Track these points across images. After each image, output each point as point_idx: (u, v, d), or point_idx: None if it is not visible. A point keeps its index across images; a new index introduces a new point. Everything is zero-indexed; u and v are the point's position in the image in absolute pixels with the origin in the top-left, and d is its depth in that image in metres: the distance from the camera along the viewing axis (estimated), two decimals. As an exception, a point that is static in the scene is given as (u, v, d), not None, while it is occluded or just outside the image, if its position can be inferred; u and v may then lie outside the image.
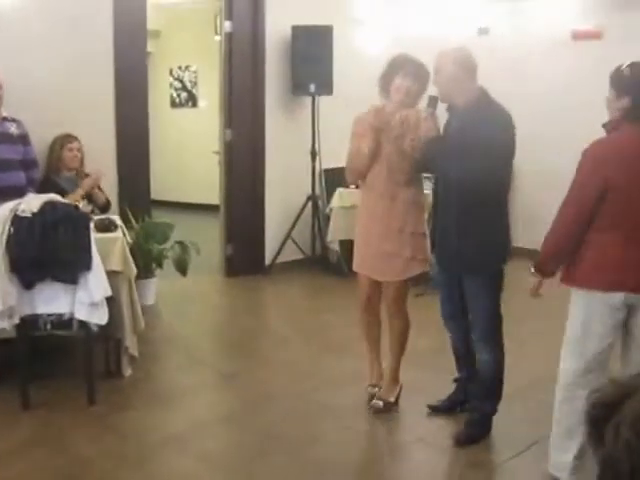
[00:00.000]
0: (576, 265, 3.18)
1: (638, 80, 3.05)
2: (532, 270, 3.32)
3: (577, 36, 7.58)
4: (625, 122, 3.07)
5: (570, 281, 3.23)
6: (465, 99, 3.69)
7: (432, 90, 3.94)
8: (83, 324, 4.27)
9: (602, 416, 0.99)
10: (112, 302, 4.41)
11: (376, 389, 4.44)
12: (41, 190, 5.07)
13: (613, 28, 7.31)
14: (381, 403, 4.27)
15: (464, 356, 4.13)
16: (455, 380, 4.31)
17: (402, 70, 3.97)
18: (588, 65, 7.47)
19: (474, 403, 4.05)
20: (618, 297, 3.10)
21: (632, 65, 3.11)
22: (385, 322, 4.39)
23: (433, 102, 3.84)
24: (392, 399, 4.33)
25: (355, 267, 4.37)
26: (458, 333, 4.09)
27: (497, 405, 4.01)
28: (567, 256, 3.18)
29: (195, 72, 11.01)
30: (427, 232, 4.15)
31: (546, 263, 3.27)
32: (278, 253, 7.34)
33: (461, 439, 3.91)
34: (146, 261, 5.86)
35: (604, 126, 3.19)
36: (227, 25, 6.94)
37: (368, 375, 4.53)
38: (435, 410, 4.27)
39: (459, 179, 3.65)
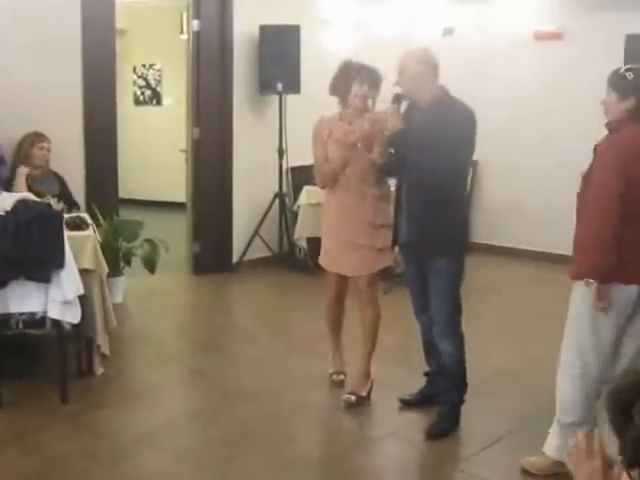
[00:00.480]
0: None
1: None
2: (590, 281, 3.25)
3: (539, 37, 7.73)
4: (629, 122, 3.23)
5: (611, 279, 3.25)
6: (427, 97, 3.85)
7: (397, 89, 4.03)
8: (56, 323, 4.27)
9: (628, 400, 1.02)
10: (84, 300, 4.42)
11: (342, 376, 4.62)
12: (7, 188, 5.07)
13: (574, 29, 7.48)
14: (353, 397, 4.36)
15: (434, 349, 4.21)
16: (425, 374, 4.41)
17: (359, 77, 4.15)
18: (550, 65, 7.64)
19: (443, 396, 4.15)
20: (634, 289, 3.24)
21: (633, 69, 3.28)
22: (355, 315, 4.49)
23: (398, 99, 3.97)
24: (364, 393, 4.42)
25: (325, 265, 4.50)
26: (429, 326, 4.17)
27: (464, 395, 4.12)
28: (616, 253, 3.20)
29: (159, 70, 10.97)
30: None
31: (603, 266, 3.23)
32: (245, 251, 7.37)
33: (432, 432, 4.01)
34: (114, 259, 5.85)
35: (607, 126, 3.33)
36: (195, 24, 6.95)
37: (331, 364, 4.68)
38: (406, 404, 4.36)
39: (422, 171, 3.79)
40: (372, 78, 4.17)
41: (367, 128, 4.07)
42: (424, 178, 3.80)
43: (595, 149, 3.34)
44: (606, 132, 3.41)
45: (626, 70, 3.28)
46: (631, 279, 3.23)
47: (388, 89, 4.12)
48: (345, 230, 4.29)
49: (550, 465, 3.55)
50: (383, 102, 4.18)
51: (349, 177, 4.24)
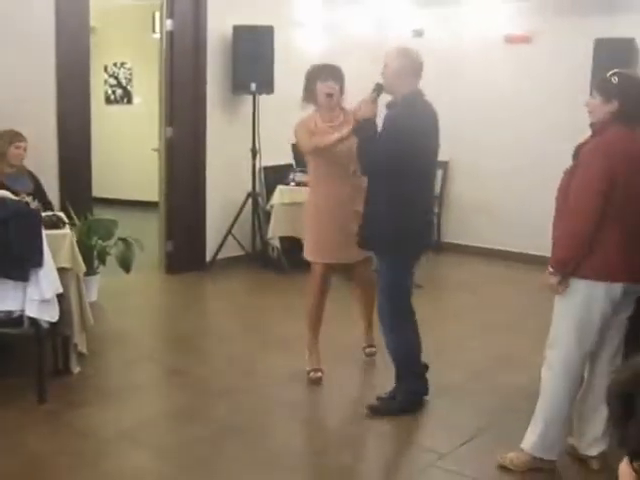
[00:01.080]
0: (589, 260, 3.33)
1: (625, 86, 3.34)
2: (550, 270, 3.40)
3: (509, 40, 7.85)
4: (613, 124, 3.33)
5: (574, 273, 3.36)
6: (403, 93, 4.01)
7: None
8: (33, 321, 4.25)
9: (628, 392, 1.03)
10: (61, 299, 4.40)
11: (319, 373, 4.71)
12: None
13: (543, 33, 7.61)
14: (374, 349, 4.91)
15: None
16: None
17: (321, 76, 4.47)
18: (519, 68, 7.76)
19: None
20: (617, 287, 3.33)
21: (618, 74, 3.39)
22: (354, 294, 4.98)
23: (378, 88, 4.10)
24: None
25: (319, 258, 4.67)
26: None
27: (414, 385, 4.26)
28: (586, 251, 3.30)
29: (130, 69, 10.92)
30: None
31: (569, 261, 3.35)
32: (219, 250, 7.39)
33: (372, 408, 4.22)
34: (89, 258, 5.83)
35: (591, 127, 3.43)
36: (168, 23, 6.94)
37: (308, 362, 4.75)
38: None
39: (370, 159, 4.00)
40: (333, 74, 4.46)
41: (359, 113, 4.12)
42: (369, 166, 4.02)
43: (577, 149, 3.43)
44: (576, 133, 3.59)
45: (612, 74, 3.39)
46: (613, 278, 3.32)
47: (365, 87, 4.20)
48: (342, 219, 4.48)
49: (528, 461, 3.61)
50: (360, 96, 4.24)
51: (339, 166, 4.48)
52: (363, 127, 4.03)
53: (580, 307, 3.37)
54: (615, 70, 3.42)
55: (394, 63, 4.02)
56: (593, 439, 3.56)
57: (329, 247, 4.60)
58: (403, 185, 3.99)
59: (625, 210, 3.29)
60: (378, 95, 4.08)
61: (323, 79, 4.45)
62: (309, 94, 4.55)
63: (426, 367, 4.38)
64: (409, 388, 4.26)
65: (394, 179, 3.97)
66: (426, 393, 4.35)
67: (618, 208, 3.27)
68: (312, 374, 4.73)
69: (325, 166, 4.56)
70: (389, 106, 4.07)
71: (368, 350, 5.03)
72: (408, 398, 4.25)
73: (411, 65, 4.04)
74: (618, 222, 3.29)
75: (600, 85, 3.40)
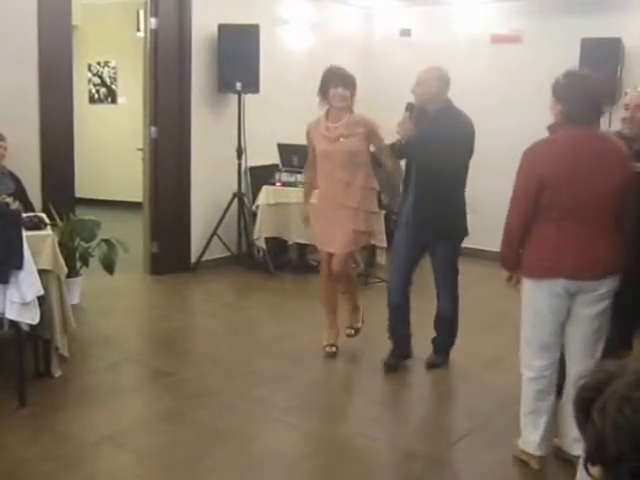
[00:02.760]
0: (524, 256, 3.48)
1: (570, 89, 3.35)
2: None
3: (496, 39, 7.83)
4: (563, 124, 3.37)
5: (521, 271, 3.54)
6: (435, 107, 4.59)
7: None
8: (14, 324, 4.18)
9: (589, 398, 1.06)
10: (42, 301, 4.32)
11: (334, 348, 5.11)
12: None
13: (529, 32, 7.60)
14: (353, 331, 5.28)
15: (404, 316, 4.90)
16: (390, 337, 4.96)
17: (333, 82, 4.84)
18: (506, 67, 7.74)
19: (438, 339, 5.02)
20: (559, 283, 3.38)
21: (567, 74, 3.41)
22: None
23: (410, 108, 4.63)
24: (359, 324, 5.31)
25: (318, 245, 5.23)
26: (403, 290, 4.87)
27: (455, 338, 5.00)
28: (518, 248, 3.48)
29: (114, 68, 10.83)
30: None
31: (505, 257, 3.57)
32: (204, 251, 7.32)
33: (430, 363, 4.94)
34: (71, 260, 5.75)
35: (548, 128, 3.47)
36: (153, 22, 6.87)
37: (325, 337, 5.12)
38: (391, 368, 4.86)
39: (435, 166, 4.52)
40: (344, 81, 4.83)
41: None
42: (437, 169, 4.51)
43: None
44: None
45: (563, 75, 3.40)
46: (549, 273, 3.39)
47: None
48: (331, 214, 4.93)
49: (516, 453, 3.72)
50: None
51: (331, 168, 4.90)
52: (409, 144, 4.58)
53: (530, 302, 3.50)
54: (567, 70, 3.45)
55: (432, 83, 4.58)
56: (573, 439, 3.54)
57: (323, 238, 5.06)
58: (465, 177, 4.80)
59: (559, 209, 3.34)
60: (411, 113, 4.60)
61: (334, 85, 4.81)
62: (322, 92, 4.92)
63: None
64: (453, 341, 5.02)
65: (463, 175, 4.75)
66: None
67: (551, 207, 3.34)
68: (327, 349, 5.11)
69: (320, 169, 5.02)
70: (421, 115, 4.59)
71: (348, 331, 5.32)
72: (449, 349, 5.03)
73: (445, 83, 4.63)
74: (553, 221, 3.36)
75: (553, 86, 3.43)
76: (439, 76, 4.64)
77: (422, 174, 4.67)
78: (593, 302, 3.42)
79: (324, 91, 4.90)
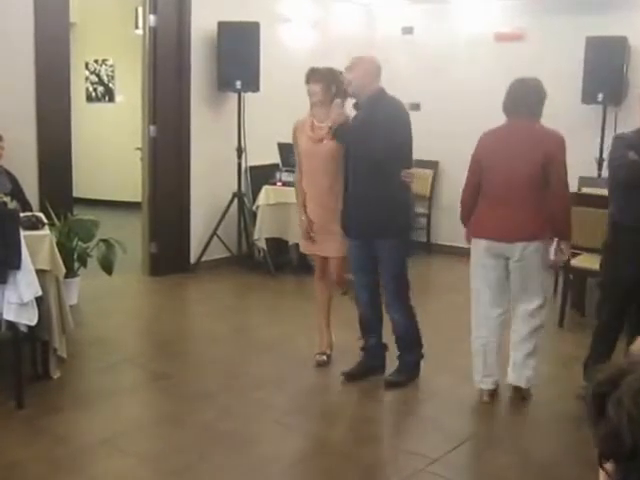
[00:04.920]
0: (470, 222, 4.39)
1: (507, 90, 4.25)
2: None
3: (499, 38, 7.77)
4: (506, 119, 4.25)
5: (468, 233, 4.45)
6: (367, 95, 4.44)
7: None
8: (11, 325, 4.11)
9: (604, 392, 1.07)
10: (40, 302, 4.26)
11: (324, 357, 4.90)
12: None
13: (533, 31, 7.54)
14: (325, 357, 4.92)
15: (373, 324, 4.70)
16: (362, 348, 4.75)
17: (306, 79, 4.72)
18: (509, 66, 7.66)
19: (399, 356, 4.69)
20: (483, 242, 4.27)
21: (514, 80, 4.25)
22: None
23: (341, 93, 4.59)
24: (330, 351, 4.99)
25: (304, 250, 5.14)
26: (369, 301, 4.65)
27: (419, 354, 4.68)
28: (468, 215, 4.39)
29: (112, 66, 10.75)
30: None
31: (461, 220, 4.47)
32: (203, 251, 7.25)
33: (388, 382, 4.57)
34: (69, 260, 5.68)
35: None
36: (151, 19, 6.80)
37: (318, 343, 4.95)
38: (350, 377, 4.63)
39: (365, 154, 4.35)
40: (313, 76, 4.67)
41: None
42: (371, 160, 4.33)
43: None
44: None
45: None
46: (478, 233, 4.31)
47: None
48: (319, 217, 4.77)
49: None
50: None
51: (314, 169, 4.74)
52: (340, 131, 4.47)
53: (473, 256, 4.38)
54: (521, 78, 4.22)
55: (361, 66, 4.45)
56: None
57: (304, 241, 4.94)
58: (399, 170, 4.40)
59: (491, 187, 4.22)
60: (343, 100, 4.55)
61: (306, 81, 4.70)
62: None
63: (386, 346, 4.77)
64: (414, 358, 4.66)
65: (392, 165, 4.36)
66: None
67: (486, 185, 4.24)
68: (317, 357, 4.91)
69: (305, 170, 4.85)
70: (357, 107, 4.52)
71: (319, 359, 4.95)
72: (415, 367, 4.67)
73: (376, 69, 4.49)
74: (487, 196, 4.25)
75: None
76: (369, 61, 4.51)
77: (354, 165, 4.48)
78: (516, 261, 4.21)
79: None
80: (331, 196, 4.69)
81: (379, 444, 3.97)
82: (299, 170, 4.88)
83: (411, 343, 4.64)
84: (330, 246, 4.75)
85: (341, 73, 4.62)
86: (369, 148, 4.32)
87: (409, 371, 4.64)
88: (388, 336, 4.71)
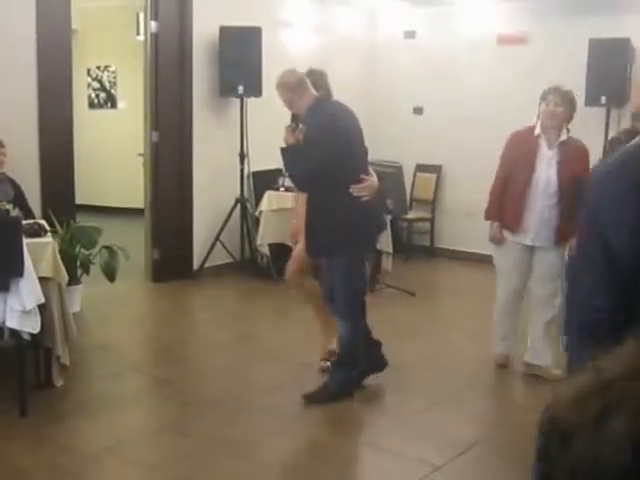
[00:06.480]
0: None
1: None
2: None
3: (502, 41, 7.75)
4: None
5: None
6: (304, 109, 4.27)
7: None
8: (14, 333, 4.10)
9: (568, 430, 0.83)
10: (43, 310, 4.24)
11: (327, 363, 4.74)
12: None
13: (536, 33, 7.51)
14: (328, 363, 4.71)
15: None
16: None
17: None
18: (512, 69, 7.66)
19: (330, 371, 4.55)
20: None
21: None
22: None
23: (294, 117, 4.39)
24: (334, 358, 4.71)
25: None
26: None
27: (348, 375, 4.40)
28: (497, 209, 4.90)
29: (114, 72, 10.75)
30: None
31: (489, 213, 4.97)
32: (206, 257, 7.23)
33: (307, 397, 4.37)
34: (71, 267, 5.66)
35: None
36: (153, 25, 6.80)
37: (320, 350, 4.88)
38: (308, 399, 4.41)
39: (303, 175, 4.28)
40: (279, 84, 4.40)
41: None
42: (305, 178, 4.26)
43: None
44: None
45: None
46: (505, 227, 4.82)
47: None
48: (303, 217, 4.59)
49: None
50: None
51: None
52: (290, 152, 4.29)
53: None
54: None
55: (281, 86, 4.30)
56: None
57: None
58: (345, 184, 4.19)
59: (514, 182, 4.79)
60: (296, 122, 4.30)
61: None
62: None
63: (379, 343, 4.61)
64: (344, 377, 4.40)
65: (336, 180, 4.16)
66: (381, 369, 4.61)
67: (511, 183, 4.84)
68: (320, 363, 4.83)
69: None
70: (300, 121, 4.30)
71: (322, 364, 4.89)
72: (342, 385, 4.40)
73: (295, 80, 4.27)
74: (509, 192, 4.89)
75: None
76: (284, 85, 4.30)
77: (301, 183, 4.41)
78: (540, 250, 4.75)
79: None
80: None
81: (383, 451, 3.93)
82: None
83: (344, 362, 4.44)
84: (302, 241, 4.58)
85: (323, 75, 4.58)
86: (303, 169, 4.24)
87: (331, 390, 4.40)
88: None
